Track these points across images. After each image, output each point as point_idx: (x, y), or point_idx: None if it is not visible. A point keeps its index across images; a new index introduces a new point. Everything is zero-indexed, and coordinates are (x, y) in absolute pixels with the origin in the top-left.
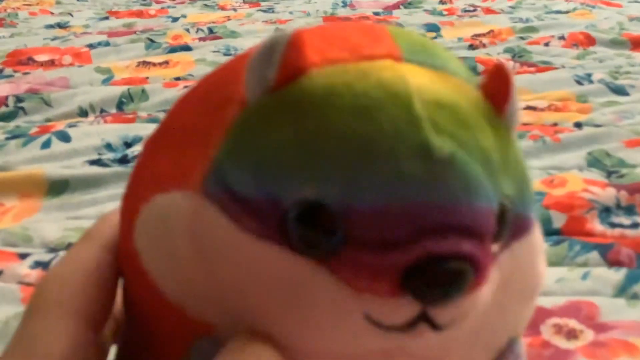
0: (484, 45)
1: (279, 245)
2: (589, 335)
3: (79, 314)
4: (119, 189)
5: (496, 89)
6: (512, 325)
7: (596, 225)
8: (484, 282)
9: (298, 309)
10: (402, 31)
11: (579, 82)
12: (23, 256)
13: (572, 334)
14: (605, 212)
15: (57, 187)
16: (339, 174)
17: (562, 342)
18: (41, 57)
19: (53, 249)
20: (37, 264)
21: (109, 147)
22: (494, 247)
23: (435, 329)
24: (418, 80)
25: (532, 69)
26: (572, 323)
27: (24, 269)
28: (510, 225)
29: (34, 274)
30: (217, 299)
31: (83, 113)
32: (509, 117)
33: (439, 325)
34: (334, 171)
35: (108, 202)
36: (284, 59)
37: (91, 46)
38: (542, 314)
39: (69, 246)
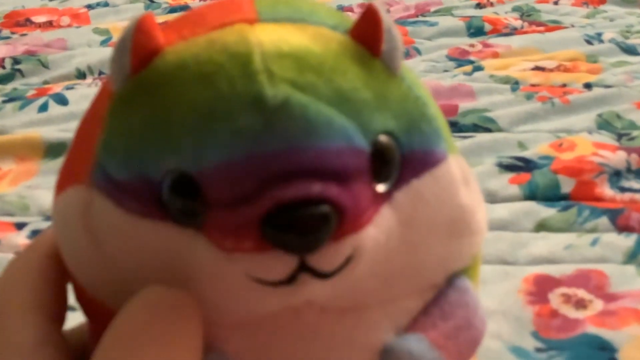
0: (491, 4)
1: (160, 221)
2: (598, 305)
3: (37, 309)
4: None
5: (367, 31)
6: (441, 262)
7: (606, 189)
8: (362, 223)
9: (187, 279)
10: None
11: (588, 42)
12: (20, 226)
13: (581, 304)
14: (616, 176)
15: (55, 150)
16: (188, 140)
17: (570, 312)
18: (39, 19)
19: (50, 217)
20: (34, 233)
21: None
22: (380, 187)
23: (321, 277)
24: (263, 36)
25: (540, 28)
26: (581, 293)
27: (21, 238)
28: (399, 162)
29: None
30: (120, 285)
31: (81, 75)
32: (387, 57)
33: (323, 274)
34: (184, 139)
35: None
36: (134, 44)
37: (89, 7)
38: (551, 283)
39: None
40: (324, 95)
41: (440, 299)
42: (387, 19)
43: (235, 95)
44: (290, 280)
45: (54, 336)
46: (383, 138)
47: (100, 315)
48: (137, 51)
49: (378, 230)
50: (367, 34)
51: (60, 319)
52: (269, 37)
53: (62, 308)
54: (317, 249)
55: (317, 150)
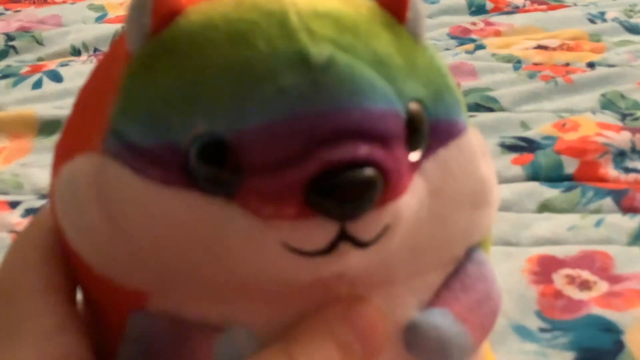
0: None
1: (186, 189)
2: (603, 286)
3: (52, 291)
4: None
5: None
6: (463, 234)
7: (610, 170)
8: (401, 189)
9: (216, 250)
10: None
11: (592, 21)
12: (14, 205)
13: (585, 285)
14: (620, 156)
15: (49, 128)
16: (224, 102)
17: (575, 293)
18: None
19: (44, 196)
20: (28, 212)
21: None
22: (413, 155)
23: (360, 246)
24: None
25: (543, 6)
26: (585, 274)
27: (15, 217)
28: (427, 131)
29: (25, 223)
30: (134, 259)
31: (76, 52)
32: (412, 24)
33: (362, 242)
34: (219, 101)
35: None
36: (155, 3)
37: None
38: (554, 264)
39: None
40: (364, 57)
41: (460, 273)
42: None
43: (276, 54)
44: (329, 249)
45: (73, 318)
46: (414, 105)
47: (106, 295)
48: (158, 10)
49: (412, 198)
50: (393, 1)
51: (74, 300)
52: None
53: (73, 288)
54: (362, 216)
55: (363, 112)
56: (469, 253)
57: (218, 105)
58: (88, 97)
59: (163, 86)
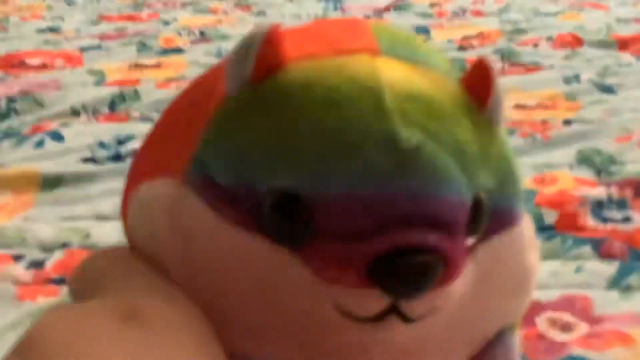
0: (473, 47)
1: (254, 233)
2: (583, 328)
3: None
4: (112, 185)
5: (478, 83)
6: (499, 317)
7: (588, 220)
8: (456, 275)
9: (270, 294)
10: (385, 26)
11: (567, 82)
12: (17, 258)
13: (566, 327)
14: (597, 206)
15: (51, 182)
16: (310, 164)
17: (556, 335)
18: (33, 61)
19: (47, 249)
20: (32, 265)
21: (102, 145)
22: (469, 240)
23: (406, 322)
24: (391, 73)
25: (521, 69)
26: (567, 317)
27: (18, 269)
28: (487, 218)
29: (29, 275)
30: (192, 282)
31: (75, 113)
32: (491, 111)
33: (410, 318)
34: (305, 162)
35: (101, 198)
36: (260, 54)
37: (83, 49)
38: (537, 307)
39: (63, 246)
40: (447, 146)
41: (488, 355)
42: (497, 75)
43: (367, 129)
44: (377, 318)
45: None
46: (482, 195)
47: None
48: (262, 61)
49: (462, 282)
50: (477, 86)
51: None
52: (396, 75)
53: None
54: (418, 297)
55: (438, 201)
56: (499, 335)
57: (303, 165)
58: (175, 123)
59: (254, 133)
